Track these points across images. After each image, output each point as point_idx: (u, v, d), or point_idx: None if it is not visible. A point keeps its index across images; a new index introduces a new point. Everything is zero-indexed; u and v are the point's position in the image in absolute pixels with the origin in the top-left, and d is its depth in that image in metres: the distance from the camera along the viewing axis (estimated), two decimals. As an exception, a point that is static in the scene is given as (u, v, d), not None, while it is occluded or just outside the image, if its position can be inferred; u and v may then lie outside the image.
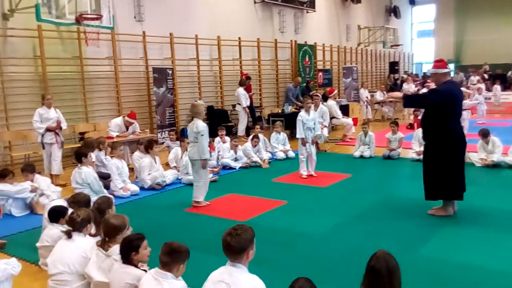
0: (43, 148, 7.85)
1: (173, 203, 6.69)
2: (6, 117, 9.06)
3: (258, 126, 10.46)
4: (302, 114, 7.98)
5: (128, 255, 3.18)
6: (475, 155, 8.48)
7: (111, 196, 5.17)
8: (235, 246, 2.77)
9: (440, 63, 5.52)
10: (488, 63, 24.96)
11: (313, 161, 8.04)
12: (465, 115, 12.51)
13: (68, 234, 3.69)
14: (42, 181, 6.57)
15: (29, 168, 6.58)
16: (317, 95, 10.95)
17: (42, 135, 7.81)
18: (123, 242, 3.24)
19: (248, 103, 12.77)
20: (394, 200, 6.42)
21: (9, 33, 9.06)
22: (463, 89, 18.43)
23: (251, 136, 9.62)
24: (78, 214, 3.72)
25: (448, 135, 5.36)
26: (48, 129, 7.79)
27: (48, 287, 3.62)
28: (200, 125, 6.15)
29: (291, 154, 9.76)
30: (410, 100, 6.05)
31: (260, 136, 9.75)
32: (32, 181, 6.45)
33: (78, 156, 6.49)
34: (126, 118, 9.02)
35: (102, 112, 10.72)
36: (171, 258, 2.94)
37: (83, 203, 4.39)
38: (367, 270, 2.51)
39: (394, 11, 26.26)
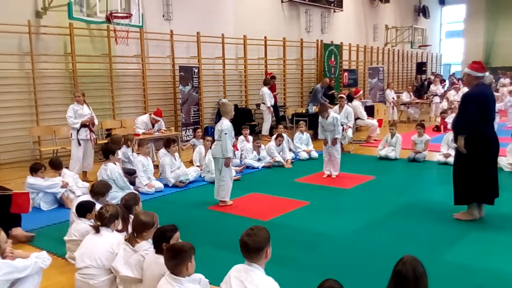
0: (79, 144, 7.94)
1: (196, 200, 6.76)
2: (37, 112, 9.31)
3: (281, 126, 10.45)
4: (320, 119, 8.04)
5: (160, 245, 3.24)
6: (504, 160, 8.29)
7: (138, 193, 5.26)
8: (251, 245, 2.82)
9: (477, 65, 5.38)
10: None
11: (334, 162, 8.01)
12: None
13: (96, 229, 3.78)
14: (69, 177, 6.73)
15: (56, 163, 6.73)
16: (341, 96, 10.88)
17: (77, 131, 7.90)
18: (156, 232, 3.32)
19: (273, 103, 12.79)
20: (419, 204, 6.34)
21: (41, 31, 9.32)
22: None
23: (275, 135, 9.63)
24: (107, 210, 3.81)
25: (481, 138, 5.26)
26: (82, 124, 7.89)
27: (75, 280, 3.72)
28: (225, 124, 6.22)
29: (314, 154, 9.74)
30: (463, 129, 5.34)
31: (284, 135, 9.77)
32: (59, 175, 6.62)
33: (105, 153, 6.63)
34: (153, 115, 9.14)
35: (129, 109, 10.91)
36: (177, 260, 2.91)
37: (104, 189, 4.72)
38: (393, 275, 2.49)
39: (423, 11, 25.82)
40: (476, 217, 5.44)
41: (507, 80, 20.48)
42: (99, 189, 4.79)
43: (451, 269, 4.17)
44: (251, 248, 2.82)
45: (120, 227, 3.95)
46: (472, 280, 3.97)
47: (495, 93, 15.37)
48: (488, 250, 4.64)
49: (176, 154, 7.87)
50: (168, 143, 7.73)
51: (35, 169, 6.34)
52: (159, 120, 9.18)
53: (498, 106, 12.71)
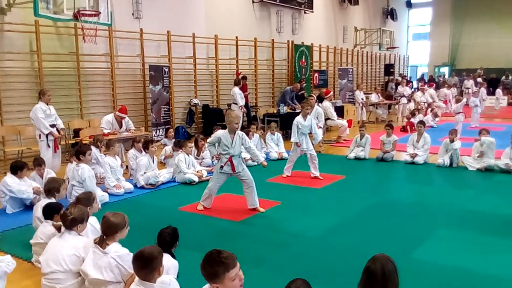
0: (49, 146, 7.77)
1: (167, 201, 6.70)
2: (1, 112, 9.02)
3: (253, 126, 10.46)
4: (299, 119, 7.99)
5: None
6: (468, 159, 8.55)
7: (94, 193, 5.10)
8: (202, 273, 2.55)
9: None
10: (483, 67, 25.15)
11: (314, 162, 8.00)
12: (460, 118, 12.65)
13: (58, 229, 3.69)
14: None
15: (41, 160, 6.63)
16: (312, 96, 11.00)
17: (46, 135, 7.71)
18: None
19: (244, 103, 12.79)
20: (388, 202, 6.47)
21: (6, 28, 9.02)
22: (448, 91, 18.58)
23: None
24: (70, 212, 3.67)
25: None
26: (52, 135, 7.74)
27: (41, 285, 3.62)
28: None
29: (285, 155, 9.79)
30: None
31: (255, 135, 9.79)
32: (42, 174, 6.46)
33: (77, 153, 6.42)
34: (117, 113, 8.98)
35: (97, 108, 10.70)
36: (148, 269, 2.85)
37: (55, 184, 4.81)
38: (363, 271, 2.53)
39: (391, 14, 26.37)
40: None
41: (471, 82, 21.14)
42: (50, 186, 4.77)
43: (419, 266, 4.27)
44: (204, 275, 2.56)
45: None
46: (439, 277, 4.07)
47: (460, 96, 15.89)
48: (454, 247, 4.77)
49: (155, 156, 7.78)
50: (146, 144, 7.64)
51: (18, 168, 6.13)
52: (125, 117, 9.03)
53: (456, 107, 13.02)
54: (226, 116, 6.34)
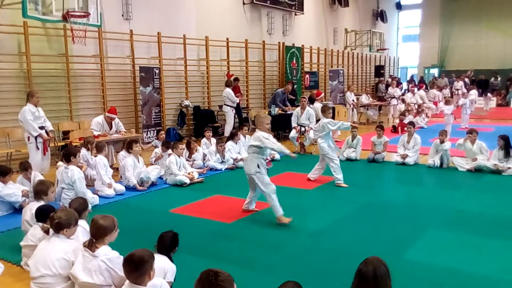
0: (38, 148, 7.69)
1: (159, 203, 6.66)
2: (-11, 114, 8.91)
3: (245, 128, 10.44)
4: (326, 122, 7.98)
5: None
6: (459, 160, 8.60)
7: (85, 198, 5.05)
8: None
9: None
10: (472, 69, 25.36)
11: (326, 167, 7.91)
12: (450, 120, 12.75)
13: (46, 232, 3.65)
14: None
15: (24, 166, 6.51)
16: (303, 97, 11.03)
17: (35, 137, 7.64)
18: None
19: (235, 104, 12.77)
20: (379, 203, 6.48)
21: (-7, 29, 8.93)
22: (437, 93, 18.72)
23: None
24: (58, 216, 3.60)
25: None
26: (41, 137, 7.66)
27: (31, 289, 3.57)
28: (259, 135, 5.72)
29: (277, 156, 9.78)
30: None
31: (247, 136, 9.77)
32: (29, 178, 6.37)
33: (66, 155, 6.33)
34: (107, 114, 8.94)
35: (87, 110, 10.62)
36: (139, 272, 2.82)
37: (42, 187, 4.74)
38: (356, 274, 2.53)
39: (381, 15, 26.51)
40: None
41: (460, 83, 21.28)
42: (37, 188, 4.75)
43: (410, 267, 4.27)
44: None
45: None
46: (430, 277, 4.08)
47: (450, 97, 15.99)
48: (445, 248, 4.79)
49: (140, 157, 7.72)
50: (130, 144, 7.59)
51: (0, 174, 6.04)
52: (114, 118, 8.98)
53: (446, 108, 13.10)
54: (256, 119, 6.19)
